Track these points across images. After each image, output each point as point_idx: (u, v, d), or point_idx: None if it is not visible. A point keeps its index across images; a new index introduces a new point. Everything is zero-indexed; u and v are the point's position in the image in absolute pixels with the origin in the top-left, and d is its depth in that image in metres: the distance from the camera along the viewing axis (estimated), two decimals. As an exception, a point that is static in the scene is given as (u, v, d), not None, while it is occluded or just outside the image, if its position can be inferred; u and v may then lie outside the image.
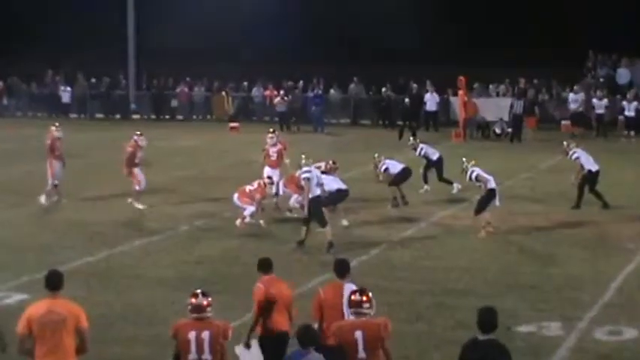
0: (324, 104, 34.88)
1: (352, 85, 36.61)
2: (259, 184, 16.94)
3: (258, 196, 16.72)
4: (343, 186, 16.36)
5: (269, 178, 17.28)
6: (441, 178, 20.16)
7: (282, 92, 34.55)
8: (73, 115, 37.89)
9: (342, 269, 8.69)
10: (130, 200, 18.47)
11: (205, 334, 7.70)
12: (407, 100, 32.63)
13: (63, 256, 14.64)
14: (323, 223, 15.05)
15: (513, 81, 33.40)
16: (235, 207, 16.97)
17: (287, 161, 18.47)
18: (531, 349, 10.50)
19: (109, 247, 15.30)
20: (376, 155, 19.18)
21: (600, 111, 31.23)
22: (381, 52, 40.71)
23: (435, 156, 20.22)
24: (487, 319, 7.19)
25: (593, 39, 35.20)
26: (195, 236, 16.34)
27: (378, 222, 17.46)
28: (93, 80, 38.51)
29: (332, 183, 16.29)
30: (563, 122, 32.22)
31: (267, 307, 8.86)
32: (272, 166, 18.33)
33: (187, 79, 37.85)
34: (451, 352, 10.45)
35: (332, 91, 36.62)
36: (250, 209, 16.62)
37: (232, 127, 33.44)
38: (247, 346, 8.94)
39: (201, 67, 38.49)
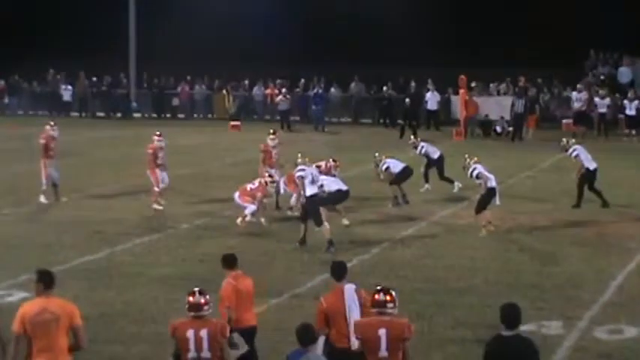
0: (324, 103, 34.91)
1: (353, 84, 36.64)
2: (260, 182, 16.96)
3: (259, 194, 16.73)
4: (344, 187, 16.34)
5: (270, 176, 17.29)
6: (442, 177, 20.16)
7: (283, 90, 34.56)
8: (74, 114, 37.95)
9: (339, 272, 8.62)
10: (149, 197, 18.41)
11: (203, 333, 7.72)
12: (407, 100, 32.63)
13: (64, 254, 14.66)
14: (319, 222, 15.07)
15: (514, 80, 33.41)
16: (236, 206, 16.98)
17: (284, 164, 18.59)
18: (532, 348, 10.49)
19: (109, 246, 15.31)
20: (377, 154, 19.19)
21: (602, 110, 31.23)
22: (382, 52, 40.69)
23: (435, 155, 20.22)
24: (512, 314, 7.15)
25: (594, 38, 35.19)
26: (196, 235, 16.34)
27: (378, 221, 17.46)
28: (94, 79, 38.55)
29: (332, 184, 16.28)
30: (564, 121, 32.23)
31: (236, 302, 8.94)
32: (272, 167, 18.37)
33: (188, 77, 37.87)
34: (452, 351, 10.50)
35: (332, 89, 36.64)
36: (251, 208, 16.63)
37: (233, 126, 33.46)
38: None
39: (202, 66, 38.50)
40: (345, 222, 16.72)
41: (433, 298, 12.43)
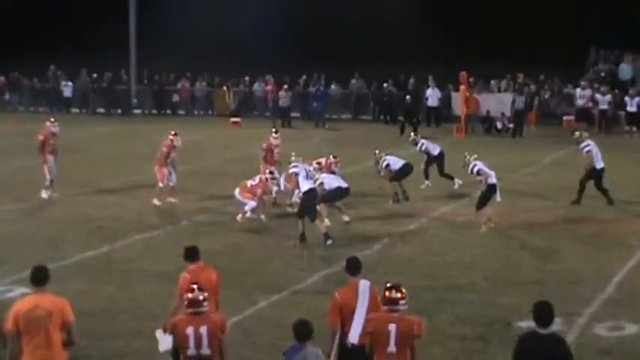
0: (325, 100, 34.89)
1: (353, 81, 36.62)
2: (261, 179, 16.99)
3: (259, 191, 16.75)
4: (344, 184, 16.37)
5: (271, 173, 17.32)
6: (442, 174, 20.16)
7: (285, 87, 34.53)
8: (75, 110, 37.94)
9: (354, 267, 8.64)
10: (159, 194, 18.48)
11: (203, 329, 7.71)
12: (408, 96, 32.60)
13: (64, 250, 14.68)
14: (313, 218, 15.12)
15: (514, 77, 33.39)
16: (236, 202, 16.99)
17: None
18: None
19: (109, 242, 15.32)
20: (377, 151, 19.20)
21: (604, 107, 31.23)
22: (382, 48, 40.66)
23: (435, 151, 20.22)
24: (546, 312, 7.11)
25: (594, 34, 35.15)
26: (196, 231, 16.34)
27: (379, 217, 17.47)
28: (94, 75, 38.55)
29: (332, 181, 16.32)
30: (565, 118, 32.22)
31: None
32: (273, 165, 18.48)
33: (188, 74, 37.86)
34: (452, 347, 10.50)
35: (333, 86, 36.63)
36: (251, 204, 16.64)
37: (233, 122, 33.45)
38: (164, 331, 8.98)
39: (202, 63, 38.48)
40: (346, 218, 16.73)
41: (433, 295, 12.43)
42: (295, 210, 17.01)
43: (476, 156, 16.78)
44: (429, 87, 33.45)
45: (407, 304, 7.80)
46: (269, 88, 35.51)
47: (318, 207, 15.55)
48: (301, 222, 15.23)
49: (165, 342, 8.84)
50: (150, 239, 15.61)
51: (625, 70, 33.57)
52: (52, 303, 7.77)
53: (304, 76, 36.33)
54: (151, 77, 38.62)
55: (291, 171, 16.02)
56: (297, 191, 17.21)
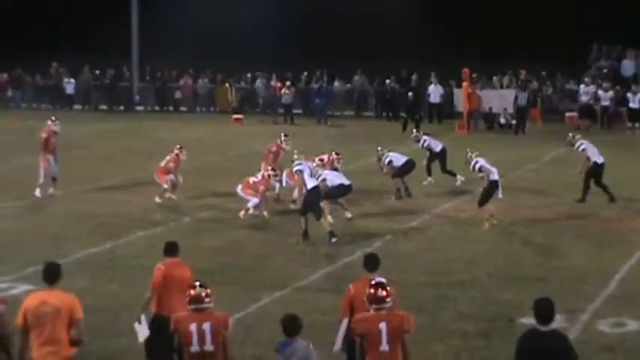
0: (328, 97, 34.88)
1: (356, 77, 36.61)
2: (263, 175, 17.01)
3: (262, 187, 16.77)
4: (346, 181, 16.37)
5: (273, 169, 17.33)
6: (444, 170, 20.17)
7: (287, 83, 34.54)
8: (77, 107, 37.96)
9: (372, 264, 8.68)
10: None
11: (206, 326, 7.72)
12: (410, 93, 32.57)
13: (67, 247, 14.70)
14: (319, 216, 15.13)
15: (516, 73, 33.37)
16: (239, 198, 17.01)
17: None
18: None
19: (112, 239, 15.34)
20: (379, 148, 19.20)
21: (605, 103, 31.21)
22: (384, 45, 40.62)
23: (438, 148, 20.23)
24: (546, 309, 7.09)
25: (596, 30, 35.11)
26: (198, 228, 16.37)
27: (381, 214, 17.48)
28: (97, 72, 38.56)
29: (335, 178, 16.33)
30: (567, 114, 32.20)
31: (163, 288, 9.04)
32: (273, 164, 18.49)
33: (191, 71, 37.86)
34: (454, 344, 10.51)
35: (335, 83, 36.63)
36: (254, 201, 16.66)
37: (236, 119, 33.46)
38: (139, 321, 9.10)
39: (204, 59, 38.47)
40: (348, 215, 16.75)
41: (435, 291, 12.45)
42: (298, 207, 17.05)
43: (477, 153, 16.79)
44: (431, 83, 33.42)
45: (392, 300, 7.80)
46: (278, 85, 35.51)
47: (321, 204, 15.56)
48: (304, 219, 15.24)
49: (142, 332, 8.95)
50: (153, 236, 15.62)
51: (627, 67, 33.53)
52: (61, 300, 7.80)
53: (305, 73, 36.31)
54: (153, 74, 38.63)
55: (295, 169, 15.96)
56: (298, 188, 17.26)
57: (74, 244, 15.03)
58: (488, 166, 16.29)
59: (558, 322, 11.08)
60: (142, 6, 37.76)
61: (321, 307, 11.52)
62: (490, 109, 32.11)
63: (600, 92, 31.32)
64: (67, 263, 13.47)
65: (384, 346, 7.62)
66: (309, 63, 36.75)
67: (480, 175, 16.41)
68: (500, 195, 16.21)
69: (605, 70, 33.65)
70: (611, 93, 31.22)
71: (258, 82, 36.78)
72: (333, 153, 18.33)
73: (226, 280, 12.77)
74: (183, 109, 37.71)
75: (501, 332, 10.78)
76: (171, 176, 18.30)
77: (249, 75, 37.20)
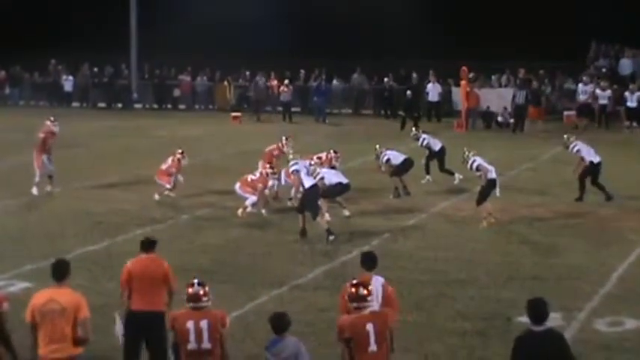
0: (327, 95, 34.89)
1: (355, 76, 36.61)
2: (261, 173, 17.01)
3: (260, 185, 16.77)
4: (344, 180, 16.36)
5: (272, 167, 17.33)
6: (442, 169, 20.17)
7: (286, 81, 34.54)
8: (75, 104, 37.94)
9: (369, 263, 8.66)
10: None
11: (204, 323, 7.74)
12: (409, 92, 32.58)
13: (65, 245, 14.69)
14: (315, 215, 15.12)
15: (514, 72, 33.37)
16: (237, 196, 17.01)
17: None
18: (532, 340, 10.50)
19: (110, 236, 15.34)
20: (378, 146, 19.20)
21: (603, 102, 31.23)
22: (382, 43, 40.60)
23: (437, 147, 20.23)
24: (540, 309, 7.10)
25: (595, 29, 35.11)
26: (196, 225, 16.37)
27: (379, 212, 17.48)
28: (95, 69, 38.54)
29: (333, 177, 16.32)
30: (565, 113, 32.22)
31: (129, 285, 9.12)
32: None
33: (189, 68, 37.85)
34: (451, 343, 10.52)
35: (334, 81, 36.63)
36: (252, 199, 16.67)
37: (234, 117, 33.46)
38: (114, 322, 9.13)
39: (203, 57, 38.45)
40: (346, 213, 16.75)
41: (433, 290, 12.45)
42: (295, 205, 17.05)
43: (474, 152, 16.80)
44: (429, 82, 33.43)
45: (373, 300, 7.83)
46: (274, 83, 35.52)
47: (319, 202, 15.56)
48: (301, 217, 15.25)
49: (119, 331, 9.01)
50: (151, 234, 15.53)
51: (625, 66, 33.56)
52: (68, 298, 7.82)
53: (302, 71, 36.31)
54: (151, 72, 38.63)
55: (291, 169, 15.98)
56: (295, 188, 17.24)
57: (72, 241, 15.02)
58: (485, 164, 16.30)
59: (555, 320, 11.16)
60: (141, 3, 37.74)
61: (319, 305, 11.53)
62: (488, 107, 32.12)
63: (598, 91, 31.34)
64: (65, 261, 13.48)
65: (372, 347, 7.62)
66: (308, 61, 36.75)
67: (478, 173, 16.41)
68: (497, 194, 16.22)
69: (603, 69, 33.67)
70: (609, 92, 31.24)
71: (258, 79, 36.78)
72: (332, 151, 18.33)
73: (224, 277, 12.77)
74: (181, 106, 37.71)
75: (499, 331, 10.78)
76: (173, 177, 18.30)
77: (247, 73, 37.19)
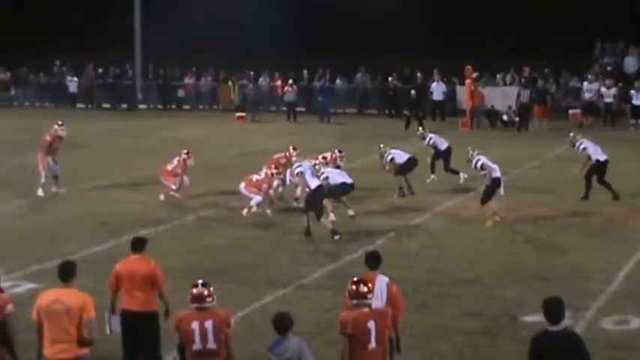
0: (331, 94, 34.86)
1: (359, 75, 36.59)
2: (266, 173, 17.00)
3: (265, 185, 16.76)
4: (349, 180, 16.35)
5: (276, 167, 17.32)
6: (447, 169, 20.14)
7: (290, 81, 34.54)
8: (80, 105, 37.97)
9: (373, 262, 8.66)
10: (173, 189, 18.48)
11: (208, 324, 7.73)
12: (413, 91, 32.53)
13: (70, 245, 14.70)
14: (319, 215, 15.11)
15: (518, 70, 33.32)
16: (242, 196, 17.00)
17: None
18: (538, 339, 10.48)
19: (115, 237, 15.33)
20: (382, 146, 19.19)
21: (609, 100, 31.18)
22: (387, 42, 40.61)
23: (443, 146, 20.20)
24: (556, 309, 7.07)
25: (600, 27, 35.08)
26: (201, 226, 16.37)
27: (384, 211, 17.46)
28: (100, 70, 38.57)
29: (337, 176, 16.31)
30: (570, 111, 32.17)
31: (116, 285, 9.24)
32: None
33: (193, 69, 37.86)
34: (457, 342, 10.50)
35: (338, 80, 36.62)
36: (257, 199, 16.67)
37: (238, 117, 33.46)
38: (106, 320, 9.26)
39: (207, 58, 38.47)
40: (351, 213, 16.73)
41: (439, 289, 12.44)
42: (300, 205, 17.04)
43: (479, 150, 16.78)
44: (433, 81, 33.39)
45: (373, 297, 7.84)
46: (278, 83, 35.48)
47: (323, 202, 15.54)
48: (306, 217, 15.24)
49: (113, 326, 9.16)
50: (155, 234, 15.61)
51: (630, 63, 33.52)
52: (73, 298, 7.84)
53: (305, 71, 36.30)
54: (156, 72, 38.65)
55: (296, 171, 15.86)
56: (300, 186, 17.22)
57: (77, 242, 15.02)
58: (489, 163, 16.27)
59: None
60: (145, 4, 37.75)
61: (324, 305, 11.52)
62: (493, 106, 32.07)
63: (603, 89, 31.30)
64: (70, 261, 13.48)
65: (372, 344, 7.64)
66: (312, 61, 36.75)
67: (482, 172, 16.38)
68: (502, 192, 16.19)
69: (608, 68, 33.62)
70: (614, 90, 31.20)
71: (261, 80, 36.77)
72: (336, 151, 18.31)
73: (229, 278, 12.77)
74: (186, 107, 37.72)
75: (505, 330, 10.77)
76: (179, 178, 18.30)
77: (252, 73, 37.20)
